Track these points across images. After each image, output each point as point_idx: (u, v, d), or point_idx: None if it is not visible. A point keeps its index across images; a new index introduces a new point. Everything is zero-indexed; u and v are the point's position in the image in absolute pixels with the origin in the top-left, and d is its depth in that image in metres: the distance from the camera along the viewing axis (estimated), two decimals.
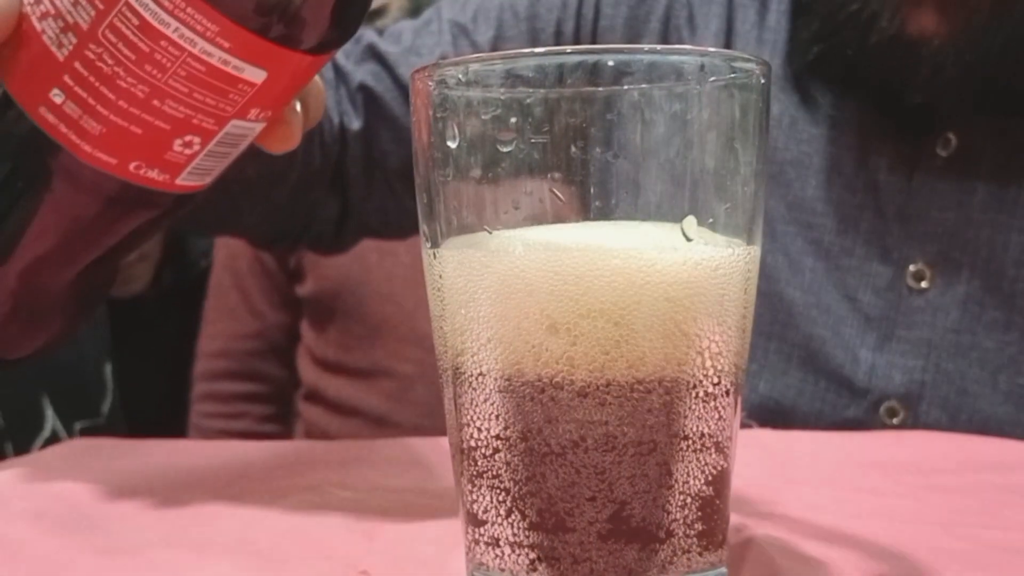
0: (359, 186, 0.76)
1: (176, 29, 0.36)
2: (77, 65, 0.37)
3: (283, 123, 0.44)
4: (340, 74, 0.75)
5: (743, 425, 0.39)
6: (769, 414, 0.71)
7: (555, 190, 0.35)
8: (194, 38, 0.36)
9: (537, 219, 0.35)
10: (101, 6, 0.37)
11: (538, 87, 0.35)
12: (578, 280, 0.34)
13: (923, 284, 0.69)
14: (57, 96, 0.38)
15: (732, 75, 0.35)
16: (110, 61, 0.37)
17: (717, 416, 0.36)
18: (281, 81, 0.39)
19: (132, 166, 0.40)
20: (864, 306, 0.71)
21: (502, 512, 0.36)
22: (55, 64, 0.38)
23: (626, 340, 0.34)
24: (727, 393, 0.36)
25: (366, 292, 1.26)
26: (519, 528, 0.35)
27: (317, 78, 0.46)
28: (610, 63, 0.35)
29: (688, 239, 0.34)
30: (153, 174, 0.40)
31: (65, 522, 0.47)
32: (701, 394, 0.35)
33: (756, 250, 0.37)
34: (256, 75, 0.38)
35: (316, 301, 1.30)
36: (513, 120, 0.35)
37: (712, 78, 0.35)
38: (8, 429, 0.84)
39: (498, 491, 0.36)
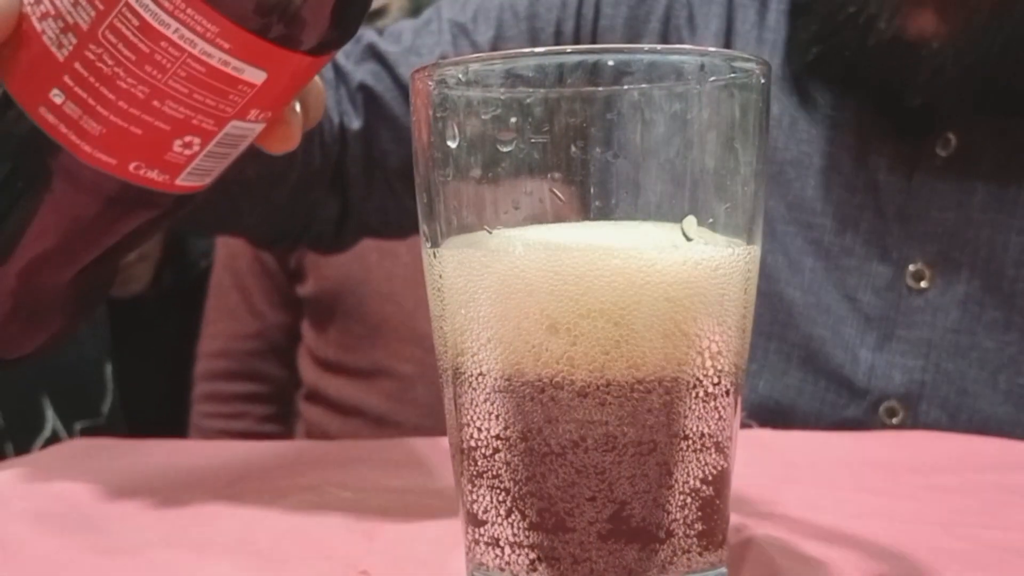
0: (359, 186, 0.76)
1: (176, 30, 0.36)
2: (77, 65, 0.37)
3: (283, 124, 0.44)
4: (340, 74, 0.75)
5: (743, 425, 0.39)
6: (769, 414, 0.71)
7: (555, 190, 0.35)
8: (194, 39, 0.36)
9: (537, 219, 0.35)
10: (101, 7, 0.37)
11: (538, 87, 0.35)
12: (578, 280, 0.34)
13: (923, 284, 0.69)
14: (57, 96, 0.38)
15: (732, 75, 0.35)
16: (110, 62, 0.37)
17: (717, 416, 0.36)
18: (281, 82, 0.39)
19: (132, 166, 0.40)
20: (864, 306, 0.71)
21: (502, 512, 0.36)
22: (55, 64, 0.38)
23: (626, 340, 0.34)
24: (727, 393, 0.36)
25: (366, 292, 1.26)
26: (519, 528, 0.35)
27: (317, 79, 0.46)
28: (610, 63, 0.35)
29: (688, 239, 0.34)
30: (153, 174, 0.40)
31: (65, 522, 0.47)
32: (701, 394, 0.35)
33: (756, 250, 0.37)
34: (256, 76, 0.38)
35: (317, 301, 1.30)
36: (513, 120, 0.35)
37: (712, 78, 0.35)
38: (8, 429, 0.84)
39: (498, 491, 0.36)
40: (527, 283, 0.34)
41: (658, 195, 0.35)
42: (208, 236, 1.40)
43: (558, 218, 0.35)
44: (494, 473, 0.36)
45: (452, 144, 0.36)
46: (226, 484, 0.53)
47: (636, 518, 0.35)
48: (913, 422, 0.68)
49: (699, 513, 0.36)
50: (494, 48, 0.78)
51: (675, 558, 0.35)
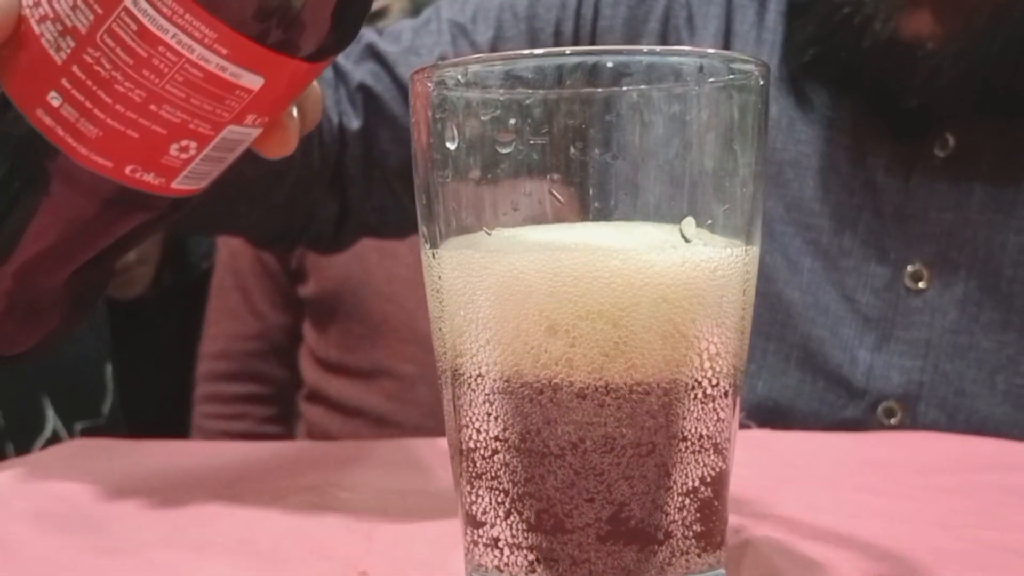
0: (358, 186, 0.76)
1: (174, 35, 0.36)
2: (75, 69, 0.37)
3: (280, 128, 0.44)
4: (339, 74, 0.75)
5: (742, 426, 0.39)
6: (767, 414, 0.72)
7: (554, 191, 0.35)
8: (192, 44, 0.37)
9: (536, 220, 0.35)
10: (100, 11, 0.37)
11: (537, 88, 0.35)
12: (577, 281, 0.34)
13: (921, 284, 0.69)
14: (55, 99, 0.38)
15: (731, 76, 0.35)
16: (108, 65, 0.37)
17: (715, 417, 0.36)
18: (278, 87, 0.39)
19: (128, 169, 0.40)
20: (862, 306, 0.71)
21: (501, 513, 0.36)
22: (53, 67, 0.38)
23: (625, 341, 0.34)
24: (725, 394, 0.36)
25: (367, 292, 1.26)
26: (518, 529, 0.35)
27: (315, 83, 0.46)
28: (609, 64, 0.35)
29: (687, 240, 0.34)
30: (149, 178, 0.40)
31: (65, 522, 0.47)
32: (700, 395, 0.35)
33: (755, 251, 0.37)
34: (253, 81, 0.38)
35: (318, 302, 1.30)
36: (512, 121, 0.35)
37: (711, 79, 0.35)
38: (9, 429, 0.84)
39: (497, 492, 0.36)
40: (526, 284, 0.34)
41: (657, 196, 0.35)
42: (208, 236, 1.40)
43: (557, 219, 0.35)
44: (493, 474, 0.36)
45: (451, 145, 0.36)
46: (226, 484, 0.53)
47: (635, 519, 0.35)
48: (911, 422, 0.68)
49: (698, 514, 0.36)
50: (493, 48, 0.78)
51: (674, 559, 0.35)
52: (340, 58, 0.75)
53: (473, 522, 0.37)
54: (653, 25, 0.78)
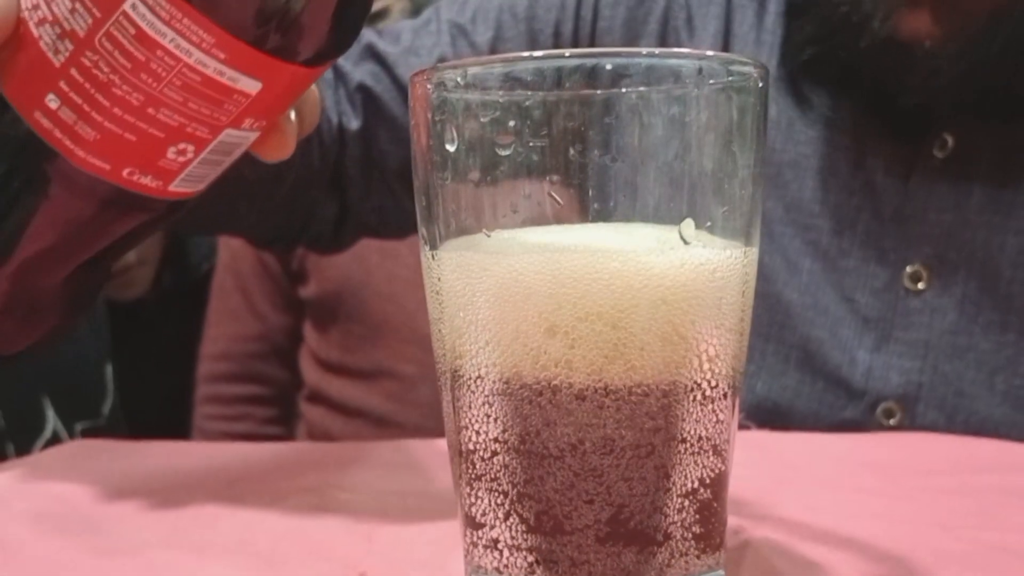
0: (358, 186, 0.76)
1: (172, 39, 0.36)
2: (73, 71, 0.38)
3: (278, 132, 0.44)
4: (339, 74, 0.75)
5: (741, 426, 0.39)
6: (766, 414, 0.72)
7: (553, 193, 0.35)
8: (190, 48, 0.37)
9: (535, 222, 0.35)
10: (98, 14, 0.37)
11: (536, 90, 0.35)
12: (576, 283, 0.34)
13: (920, 285, 0.69)
14: (52, 101, 0.38)
15: (730, 78, 0.35)
16: (106, 69, 0.37)
17: (715, 419, 0.36)
18: (276, 92, 0.39)
19: (125, 172, 0.40)
20: (861, 307, 0.71)
21: (500, 515, 0.36)
22: (51, 70, 0.38)
23: (624, 343, 0.34)
24: (725, 396, 0.36)
25: (368, 293, 1.26)
26: (517, 531, 0.36)
27: (313, 87, 0.46)
28: (608, 66, 0.35)
29: (686, 242, 0.34)
30: (146, 180, 0.40)
31: (65, 523, 0.47)
32: (699, 397, 0.35)
33: (754, 252, 0.37)
34: (251, 86, 0.38)
35: (319, 303, 1.30)
36: (511, 123, 0.35)
37: (710, 81, 0.35)
38: (9, 430, 0.84)
39: (496, 494, 0.36)
40: (525, 286, 0.34)
41: (656, 198, 0.35)
42: (207, 236, 1.40)
43: (556, 221, 0.35)
44: (492, 476, 0.36)
45: (451, 147, 0.36)
46: (226, 486, 0.53)
47: (634, 521, 0.35)
48: (911, 423, 0.68)
49: (697, 516, 0.36)
50: (493, 49, 0.78)
51: (673, 560, 0.35)
52: (339, 58, 0.75)
53: (473, 523, 0.37)
54: (652, 26, 0.78)
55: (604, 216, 0.35)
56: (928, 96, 0.66)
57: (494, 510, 0.36)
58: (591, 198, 0.35)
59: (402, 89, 0.75)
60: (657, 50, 0.55)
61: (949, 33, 0.64)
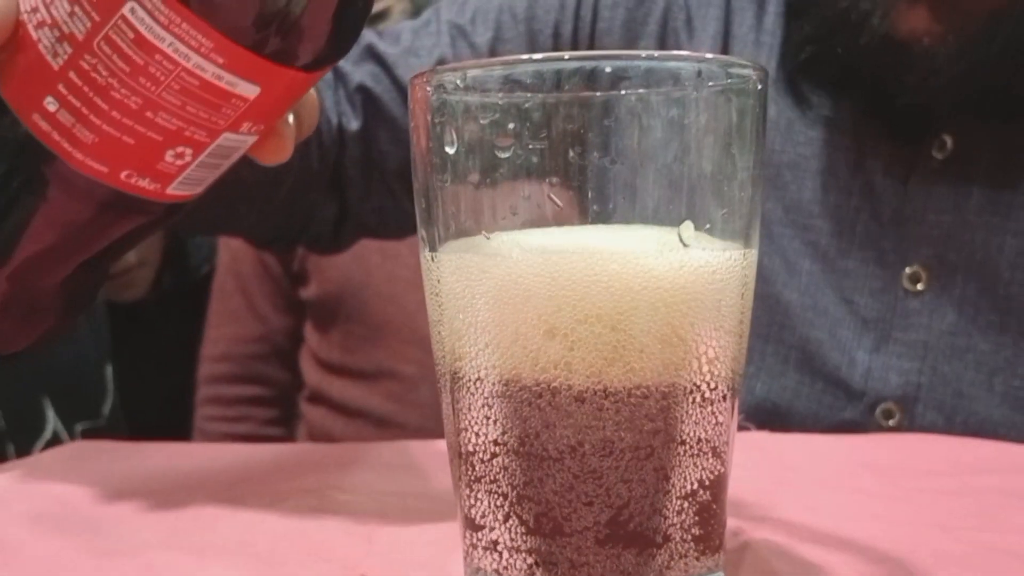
0: (357, 187, 0.76)
1: (171, 43, 0.36)
2: (71, 75, 0.38)
3: (276, 136, 0.44)
4: (339, 75, 0.75)
5: (740, 427, 0.40)
6: (766, 415, 0.72)
7: (553, 195, 0.35)
8: (188, 53, 0.37)
9: (535, 224, 0.35)
10: (97, 18, 0.37)
11: (536, 92, 0.35)
12: (575, 285, 0.34)
13: (919, 287, 0.69)
14: (51, 104, 0.38)
15: (729, 80, 0.35)
16: (104, 72, 0.37)
17: (714, 421, 0.36)
18: (274, 96, 0.40)
19: (123, 175, 0.40)
20: (860, 308, 0.71)
21: (500, 517, 0.36)
22: (50, 73, 0.38)
23: (623, 345, 0.34)
24: (724, 398, 0.36)
25: (369, 294, 1.26)
26: (517, 532, 0.36)
27: (311, 90, 0.46)
28: (607, 69, 0.35)
29: (685, 244, 0.35)
30: (144, 183, 0.40)
31: (65, 524, 0.47)
32: (698, 399, 0.35)
33: (753, 254, 0.37)
34: (249, 90, 0.38)
35: (319, 304, 1.30)
36: (511, 125, 0.35)
37: (709, 83, 0.35)
38: (9, 430, 0.84)
39: (496, 496, 0.36)
40: (525, 288, 0.34)
41: (655, 200, 0.35)
42: (207, 236, 1.40)
43: (556, 223, 0.35)
44: (492, 478, 0.36)
45: (450, 149, 0.36)
46: (226, 487, 0.53)
47: (633, 523, 0.35)
48: (910, 424, 0.69)
49: (696, 517, 0.36)
50: (492, 49, 0.78)
51: (672, 562, 0.35)
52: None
53: (472, 525, 0.37)
54: (652, 27, 0.78)
55: (603, 218, 0.35)
56: (927, 95, 0.66)
57: (494, 512, 0.36)
58: (590, 200, 0.35)
59: (402, 90, 0.75)
60: (656, 53, 0.55)
61: (948, 31, 0.64)
